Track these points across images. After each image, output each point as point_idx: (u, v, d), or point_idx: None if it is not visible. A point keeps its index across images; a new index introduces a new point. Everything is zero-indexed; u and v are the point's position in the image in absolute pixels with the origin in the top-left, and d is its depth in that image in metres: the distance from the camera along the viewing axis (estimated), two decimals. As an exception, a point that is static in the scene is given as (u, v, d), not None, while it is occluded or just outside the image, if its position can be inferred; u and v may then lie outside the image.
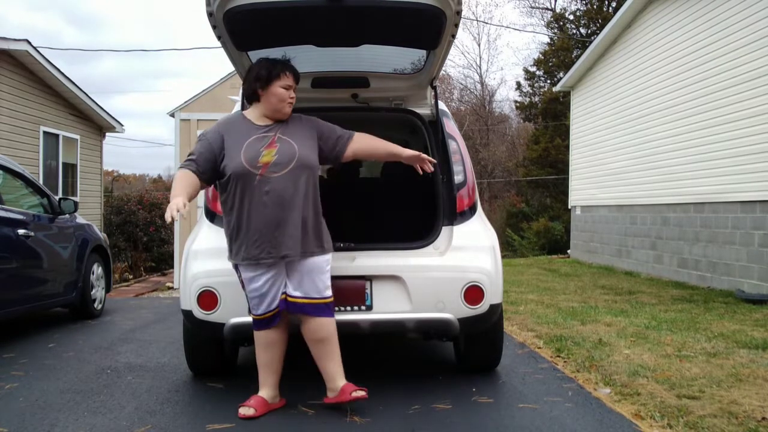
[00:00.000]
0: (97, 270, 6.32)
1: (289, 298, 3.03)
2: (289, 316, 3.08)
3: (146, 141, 74.77)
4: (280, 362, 3.14)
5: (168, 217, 2.73)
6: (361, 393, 2.97)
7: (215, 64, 67.44)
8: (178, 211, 2.71)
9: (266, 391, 3.11)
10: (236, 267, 3.06)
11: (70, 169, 12.33)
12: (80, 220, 6.24)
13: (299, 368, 3.57)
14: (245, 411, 3.01)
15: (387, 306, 3.19)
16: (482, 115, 30.59)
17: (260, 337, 3.09)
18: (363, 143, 3.22)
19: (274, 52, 3.43)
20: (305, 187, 3.01)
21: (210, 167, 3.00)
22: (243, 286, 3.07)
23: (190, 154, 3.04)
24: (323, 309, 3.03)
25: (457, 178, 3.49)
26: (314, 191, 3.07)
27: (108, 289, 6.69)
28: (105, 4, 62.84)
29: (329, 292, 3.06)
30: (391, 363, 4.20)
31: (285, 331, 3.11)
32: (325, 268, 3.06)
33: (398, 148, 3.26)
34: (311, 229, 3.03)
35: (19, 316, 5.14)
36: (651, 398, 3.27)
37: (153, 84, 65.93)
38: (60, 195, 11.25)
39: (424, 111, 3.76)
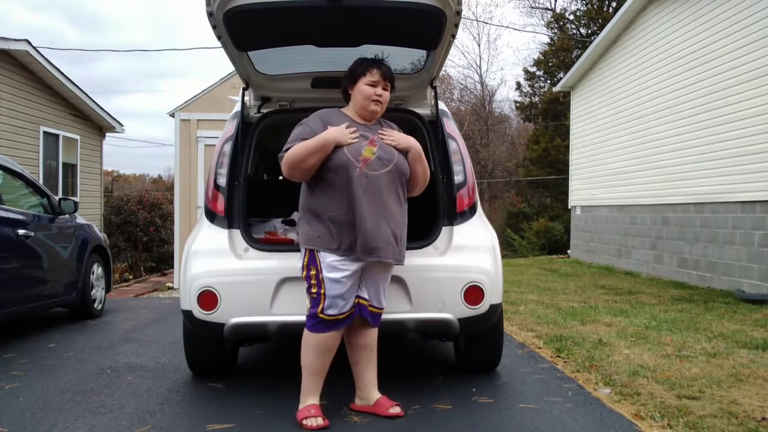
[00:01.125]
0: (97, 270, 6.32)
1: (363, 302, 2.98)
2: None
3: (146, 141, 74.77)
4: (329, 366, 3.02)
5: (349, 139, 2.89)
6: (397, 410, 2.99)
7: (217, 64, 67.49)
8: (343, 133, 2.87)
9: (316, 398, 2.99)
10: (311, 264, 2.91)
11: (70, 169, 12.33)
12: (80, 220, 6.24)
13: (297, 368, 3.55)
14: (315, 422, 2.87)
15: (387, 306, 3.19)
16: (482, 115, 30.59)
17: (319, 341, 2.91)
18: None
19: (274, 52, 3.44)
20: (400, 191, 2.98)
21: None
22: (311, 287, 2.90)
23: (290, 141, 2.94)
24: (377, 318, 3.06)
25: (457, 178, 3.48)
26: (405, 198, 3.04)
27: (108, 289, 6.69)
28: (107, 5, 62.87)
29: (385, 303, 3.07)
30: (391, 363, 4.20)
31: (341, 334, 2.98)
32: (388, 280, 3.07)
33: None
34: (400, 235, 2.97)
35: (19, 316, 5.14)
36: (651, 398, 3.27)
37: (155, 84, 65.95)
38: (60, 195, 11.25)
39: (424, 111, 3.76)
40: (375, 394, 3.06)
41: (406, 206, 3.06)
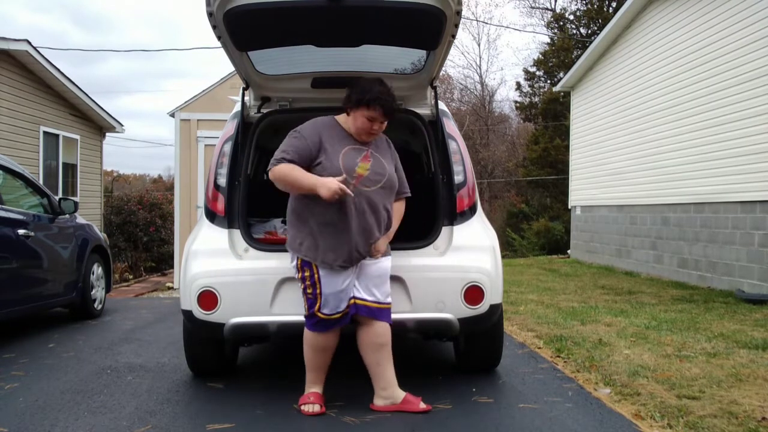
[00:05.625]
0: (97, 270, 6.31)
1: (359, 302, 3.03)
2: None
3: (146, 141, 74.71)
4: (330, 361, 3.16)
5: (339, 193, 2.83)
6: (426, 405, 3.05)
7: (218, 64, 67.49)
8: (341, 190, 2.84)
9: (319, 387, 3.15)
10: (305, 266, 3.00)
11: (70, 169, 12.33)
12: (80, 220, 6.24)
13: (301, 367, 3.56)
14: (311, 408, 3.03)
15: (387, 306, 3.19)
16: (482, 115, 30.58)
17: (317, 340, 3.06)
18: (399, 210, 3.23)
19: (274, 52, 3.44)
20: (387, 204, 3.07)
21: (305, 165, 2.97)
22: (306, 288, 3.00)
23: (283, 151, 2.97)
24: (387, 313, 3.07)
25: (457, 178, 3.49)
26: (389, 210, 3.11)
27: (108, 289, 6.69)
28: (112, 6, 62.78)
29: (390, 299, 3.10)
30: (391, 363, 4.20)
31: (338, 333, 3.10)
32: (387, 273, 3.11)
33: (391, 233, 3.19)
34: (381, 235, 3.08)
35: (19, 316, 5.14)
36: (651, 398, 3.27)
37: (158, 84, 65.83)
38: (60, 195, 11.25)
39: (424, 111, 3.76)
40: (399, 392, 3.10)
41: (392, 211, 3.15)
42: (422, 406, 3.05)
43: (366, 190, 2.98)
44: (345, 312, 3.02)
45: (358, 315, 3.05)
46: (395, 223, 3.19)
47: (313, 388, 3.14)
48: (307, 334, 3.07)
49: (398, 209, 3.22)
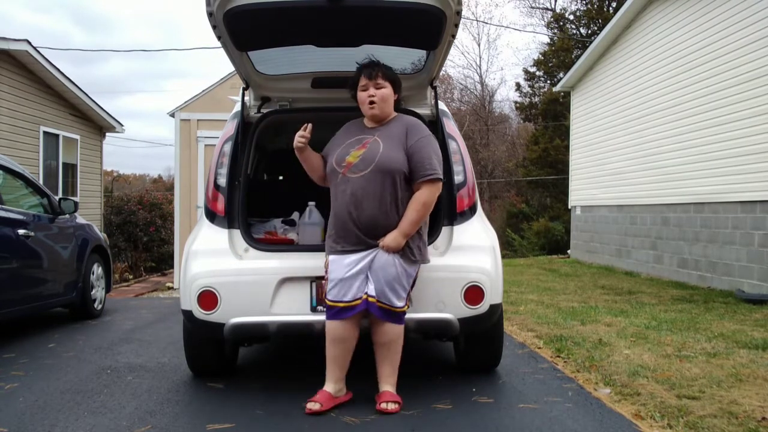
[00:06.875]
0: (97, 270, 6.31)
1: (370, 298, 3.05)
2: (359, 316, 3.08)
3: (147, 141, 74.72)
4: (349, 357, 3.14)
5: (299, 140, 3.15)
6: (386, 407, 3.03)
7: (219, 63, 67.53)
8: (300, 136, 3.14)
9: (332, 385, 3.12)
10: (326, 257, 3.20)
11: (70, 169, 12.33)
12: (80, 220, 6.24)
13: (301, 367, 3.57)
14: (312, 406, 3.04)
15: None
16: (482, 115, 30.57)
17: (330, 330, 3.08)
18: (417, 198, 3.06)
19: (274, 52, 3.44)
20: (380, 189, 3.02)
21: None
22: (325, 273, 3.17)
23: None
24: (390, 315, 3.07)
25: (457, 179, 3.49)
26: (391, 193, 3.04)
27: (108, 289, 6.69)
28: (114, 6, 62.83)
29: (400, 303, 3.06)
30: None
31: (356, 328, 3.10)
32: (400, 278, 3.04)
33: (405, 224, 3.05)
34: (382, 230, 3.04)
35: (19, 316, 5.14)
36: (651, 398, 3.27)
37: (159, 84, 65.86)
38: (60, 195, 11.25)
39: (424, 111, 3.76)
40: (382, 387, 3.14)
41: (396, 197, 3.05)
42: (381, 406, 3.03)
43: (354, 176, 3.05)
44: (352, 304, 3.02)
45: (368, 311, 3.06)
46: (412, 213, 3.02)
47: (326, 385, 3.12)
48: (326, 324, 3.11)
49: (418, 197, 3.05)
